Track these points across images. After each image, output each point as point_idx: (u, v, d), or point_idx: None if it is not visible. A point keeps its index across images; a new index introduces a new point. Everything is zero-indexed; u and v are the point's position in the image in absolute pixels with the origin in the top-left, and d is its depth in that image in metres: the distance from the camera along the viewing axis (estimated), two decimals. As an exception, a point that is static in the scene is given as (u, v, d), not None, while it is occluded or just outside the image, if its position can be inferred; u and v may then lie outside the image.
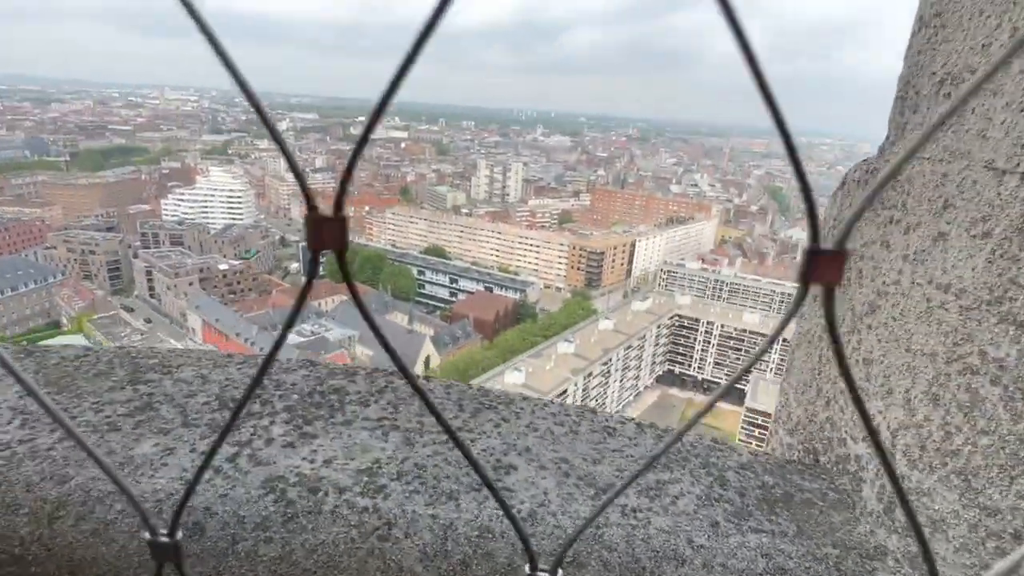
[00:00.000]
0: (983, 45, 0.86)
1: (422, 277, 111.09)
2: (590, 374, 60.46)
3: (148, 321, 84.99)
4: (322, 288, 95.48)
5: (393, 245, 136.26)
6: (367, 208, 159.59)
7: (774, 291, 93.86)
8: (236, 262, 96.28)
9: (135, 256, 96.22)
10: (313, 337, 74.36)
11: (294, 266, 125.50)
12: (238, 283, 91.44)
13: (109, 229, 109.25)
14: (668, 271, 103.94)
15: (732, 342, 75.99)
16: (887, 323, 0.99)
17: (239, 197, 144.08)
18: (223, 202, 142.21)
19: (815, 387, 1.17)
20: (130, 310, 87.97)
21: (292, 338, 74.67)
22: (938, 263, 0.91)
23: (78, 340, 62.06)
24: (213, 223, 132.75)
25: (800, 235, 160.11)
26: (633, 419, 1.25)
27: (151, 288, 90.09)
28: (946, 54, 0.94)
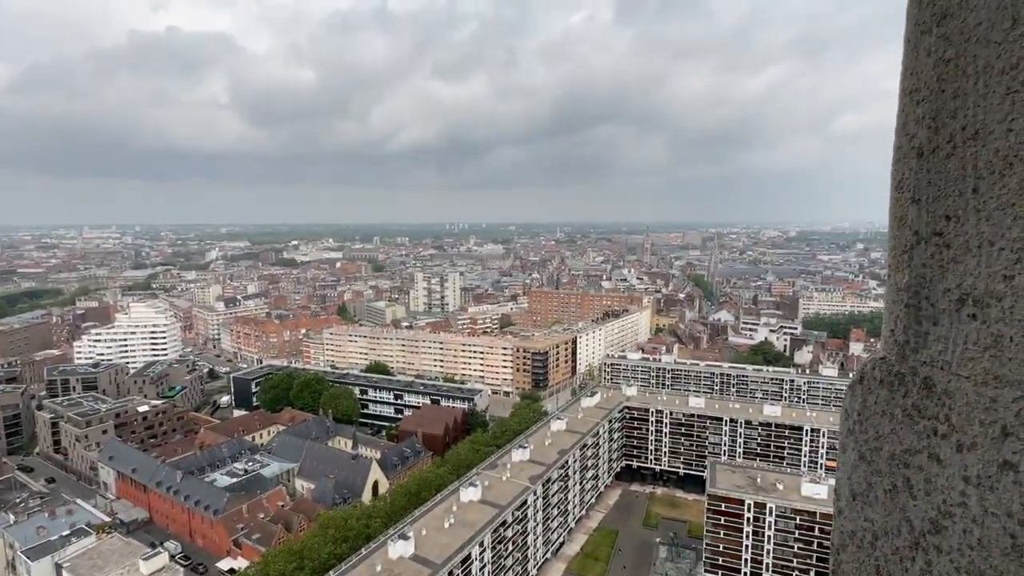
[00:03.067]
0: (1005, 276, 0.86)
1: (365, 396, 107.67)
2: (548, 479, 58.85)
3: (51, 481, 74.84)
4: (256, 419, 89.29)
5: (333, 366, 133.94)
6: (304, 331, 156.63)
7: (713, 373, 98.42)
8: (159, 402, 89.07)
9: (39, 408, 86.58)
10: (247, 476, 68.14)
11: (224, 399, 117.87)
12: (160, 425, 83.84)
13: (10, 380, 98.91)
14: (611, 364, 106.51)
15: (683, 428, 77.52)
16: (962, 550, 0.94)
17: (163, 332, 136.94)
18: (145, 338, 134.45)
19: None
20: (29, 470, 77.50)
21: (222, 480, 67.95)
22: (1014, 497, 0.88)
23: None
24: (134, 362, 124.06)
25: (726, 317, 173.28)
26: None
27: (56, 442, 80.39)
28: (959, 275, 0.95)
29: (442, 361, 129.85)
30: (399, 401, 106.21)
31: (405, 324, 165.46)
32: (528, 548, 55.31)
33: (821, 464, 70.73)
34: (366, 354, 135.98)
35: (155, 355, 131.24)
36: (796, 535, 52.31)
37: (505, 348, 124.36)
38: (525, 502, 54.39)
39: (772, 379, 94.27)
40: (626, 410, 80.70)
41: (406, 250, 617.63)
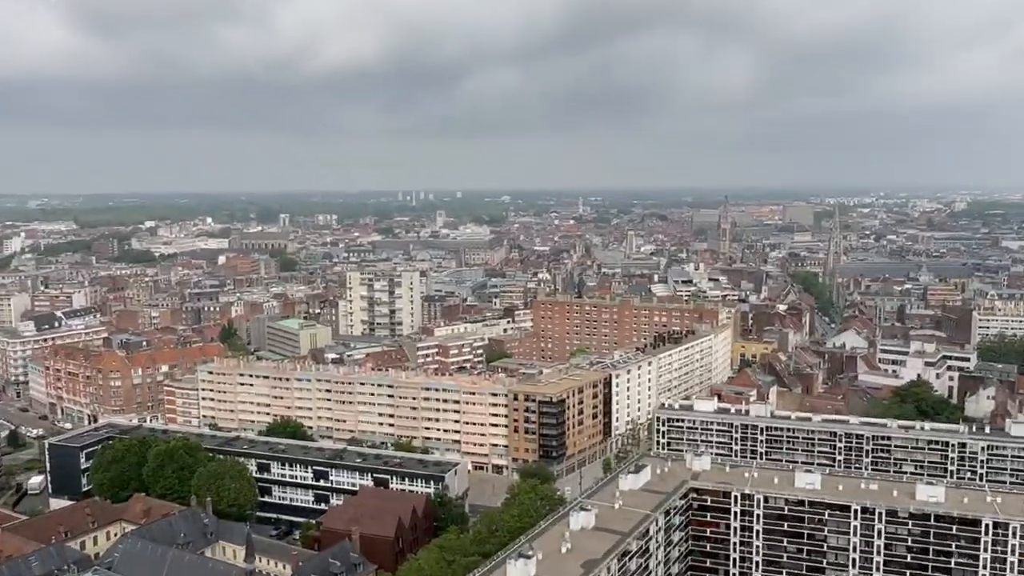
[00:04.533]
0: None
1: (266, 476, 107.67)
2: (568, 610, 58.69)
3: None
4: (88, 514, 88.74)
5: (213, 424, 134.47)
6: (165, 367, 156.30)
7: (834, 434, 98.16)
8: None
9: None
10: (71, 610, 67.34)
11: (35, 480, 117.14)
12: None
13: None
14: (669, 419, 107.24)
15: (787, 523, 77.50)
16: None
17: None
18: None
19: None
20: None
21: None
22: None
23: None
24: None
25: (854, 342, 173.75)
26: None
27: None
28: None
29: (392, 417, 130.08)
30: (322, 483, 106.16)
31: (332, 357, 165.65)
32: None
33: (1011, 581, 70.94)
34: (268, 406, 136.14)
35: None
36: None
37: (495, 394, 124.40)
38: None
39: (930, 442, 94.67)
40: (693, 495, 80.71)
41: (333, 235, 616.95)
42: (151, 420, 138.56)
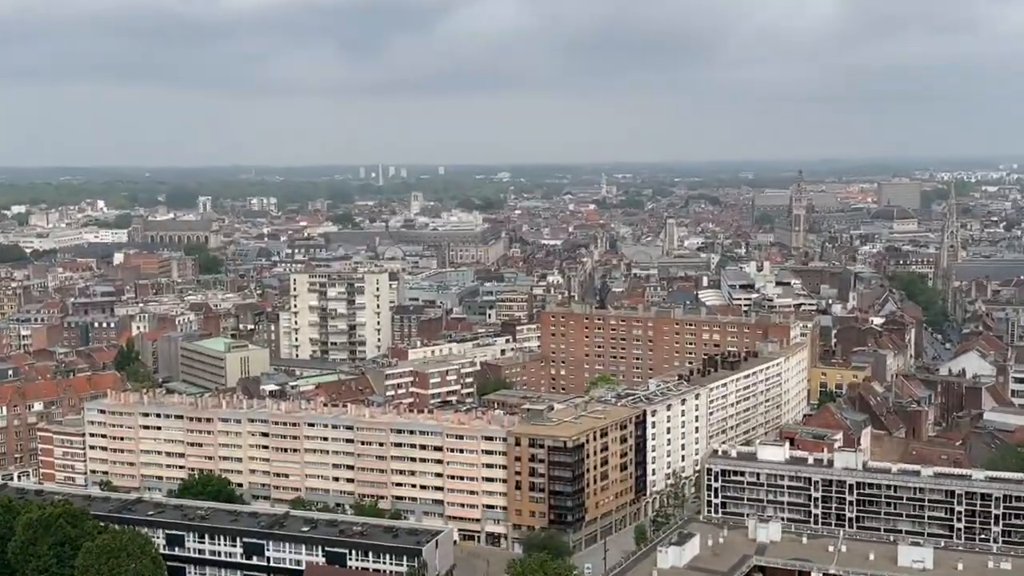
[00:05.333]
0: None
1: (178, 551, 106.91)
2: None
3: None
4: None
5: (105, 483, 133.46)
6: (38, 405, 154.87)
7: (952, 493, 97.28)
8: None
9: None
10: None
11: None
12: None
13: None
14: (722, 472, 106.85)
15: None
16: None
17: None
18: None
19: None
20: None
21: None
22: None
23: None
24: None
25: (978, 367, 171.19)
26: None
27: None
28: None
29: (352, 470, 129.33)
30: (256, 561, 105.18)
31: (270, 389, 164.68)
32: None
33: None
34: (182, 457, 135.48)
35: None
36: None
37: (490, 438, 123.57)
38: None
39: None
40: (759, 576, 79.78)
41: (272, 225, 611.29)
42: (19, 477, 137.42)
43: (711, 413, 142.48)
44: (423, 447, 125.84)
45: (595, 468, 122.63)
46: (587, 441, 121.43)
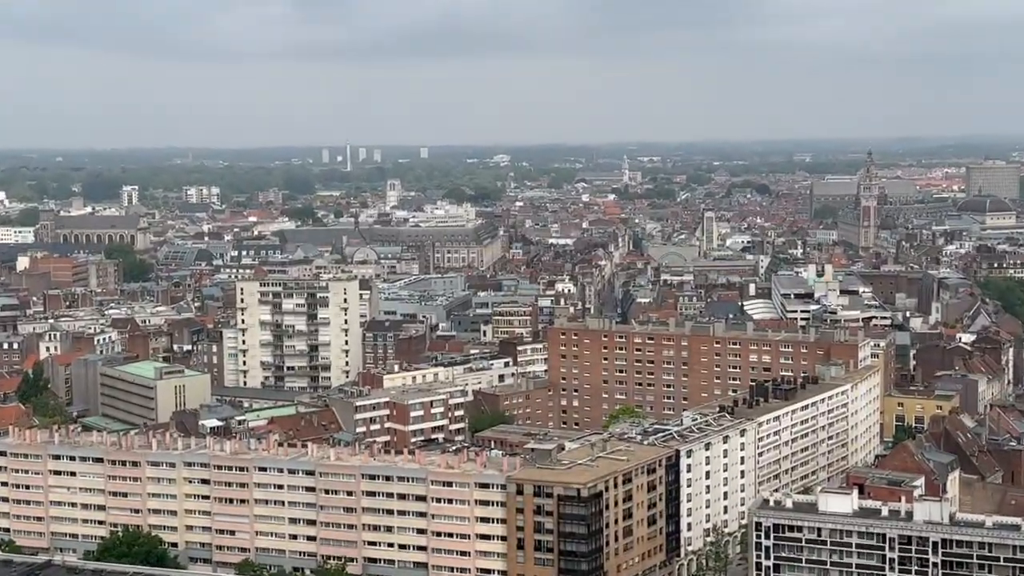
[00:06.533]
0: None
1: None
2: None
3: None
4: None
5: (6, 542, 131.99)
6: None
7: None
8: None
9: None
10: None
11: None
12: None
13: None
14: (775, 527, 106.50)
15: None
16: None
17: None
18: None
19: None
20: None
21: None
22: None
23: None
24: None
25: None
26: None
27: None
28: None
29: (314, 526, 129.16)
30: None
31: (212, 425, 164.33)
32: None
33: None
34: (102, 510, 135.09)
35: None
36: None
37: (486, 485, 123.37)
38: None
39: None
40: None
41: (214, 221, 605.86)
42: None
43: (760, 454, 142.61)
44: (402, 497, 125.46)
45: (616, 522, 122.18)
46: (606, 489, 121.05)
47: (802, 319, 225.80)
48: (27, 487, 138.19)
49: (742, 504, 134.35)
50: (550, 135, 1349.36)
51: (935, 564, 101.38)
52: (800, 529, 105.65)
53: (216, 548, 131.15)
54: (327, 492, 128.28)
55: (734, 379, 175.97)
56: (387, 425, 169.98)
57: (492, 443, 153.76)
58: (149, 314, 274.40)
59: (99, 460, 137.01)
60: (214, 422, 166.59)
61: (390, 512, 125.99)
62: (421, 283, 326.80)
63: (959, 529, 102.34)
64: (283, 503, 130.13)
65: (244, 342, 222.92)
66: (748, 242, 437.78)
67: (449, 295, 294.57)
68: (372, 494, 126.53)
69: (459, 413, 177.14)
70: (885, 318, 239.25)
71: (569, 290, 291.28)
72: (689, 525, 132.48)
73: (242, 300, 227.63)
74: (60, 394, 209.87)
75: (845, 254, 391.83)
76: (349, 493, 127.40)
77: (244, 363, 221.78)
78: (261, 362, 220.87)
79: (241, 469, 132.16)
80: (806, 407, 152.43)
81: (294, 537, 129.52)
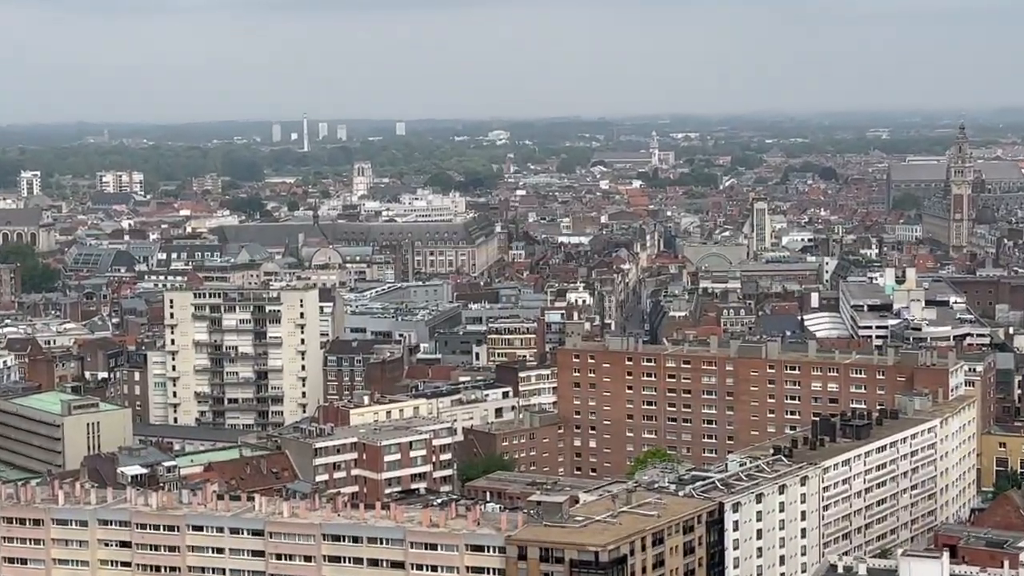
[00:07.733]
0: None
1: None
2: None
3: None
4: None
5: None
6: None
7: None
8: None
9: None
10: None
11: None
12: None
13: None
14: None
15: None
16: None
17: None
18: None
19: None
20: None
21: None
22: None
23: None
24: None
25: None
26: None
27: None
28: None
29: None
30: None
31: (134, 473, 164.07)
32: None
33: None
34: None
35: None
36: None
37: (479, 548, 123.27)
38: None
39: None
40: None
41: (137, 216, 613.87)
42: None
43: (826, 507, 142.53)
44: (374, 563, 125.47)
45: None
46: (631, 552, 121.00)
47: (878, 337, 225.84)
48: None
49: (803, 570, 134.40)
50: (559, 107, 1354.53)
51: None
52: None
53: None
54: (279, 557, 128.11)
55: (792, 413, 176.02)
56: (355, 472, 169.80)
57: (487, 495, 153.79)
58: (54, 333, 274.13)
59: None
60: (136, 469, 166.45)
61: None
62: (397, 293, 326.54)
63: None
64: (224, 571, 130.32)
65: (174, 368, 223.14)
66: (809, 240, 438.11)
67: (433, 308, 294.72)
68: (336, 559, 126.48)
69: (445, 457, 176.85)
70: (983, 336, 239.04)
71: (584, 301, 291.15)
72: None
73: (172, 315, 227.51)
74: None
75: (932, 255, 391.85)
76: (307, 559, 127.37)
77: (175, 394, 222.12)
78: (196, 393, 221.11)
79: (171, 528, 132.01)
80: (883, 448, 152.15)
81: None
